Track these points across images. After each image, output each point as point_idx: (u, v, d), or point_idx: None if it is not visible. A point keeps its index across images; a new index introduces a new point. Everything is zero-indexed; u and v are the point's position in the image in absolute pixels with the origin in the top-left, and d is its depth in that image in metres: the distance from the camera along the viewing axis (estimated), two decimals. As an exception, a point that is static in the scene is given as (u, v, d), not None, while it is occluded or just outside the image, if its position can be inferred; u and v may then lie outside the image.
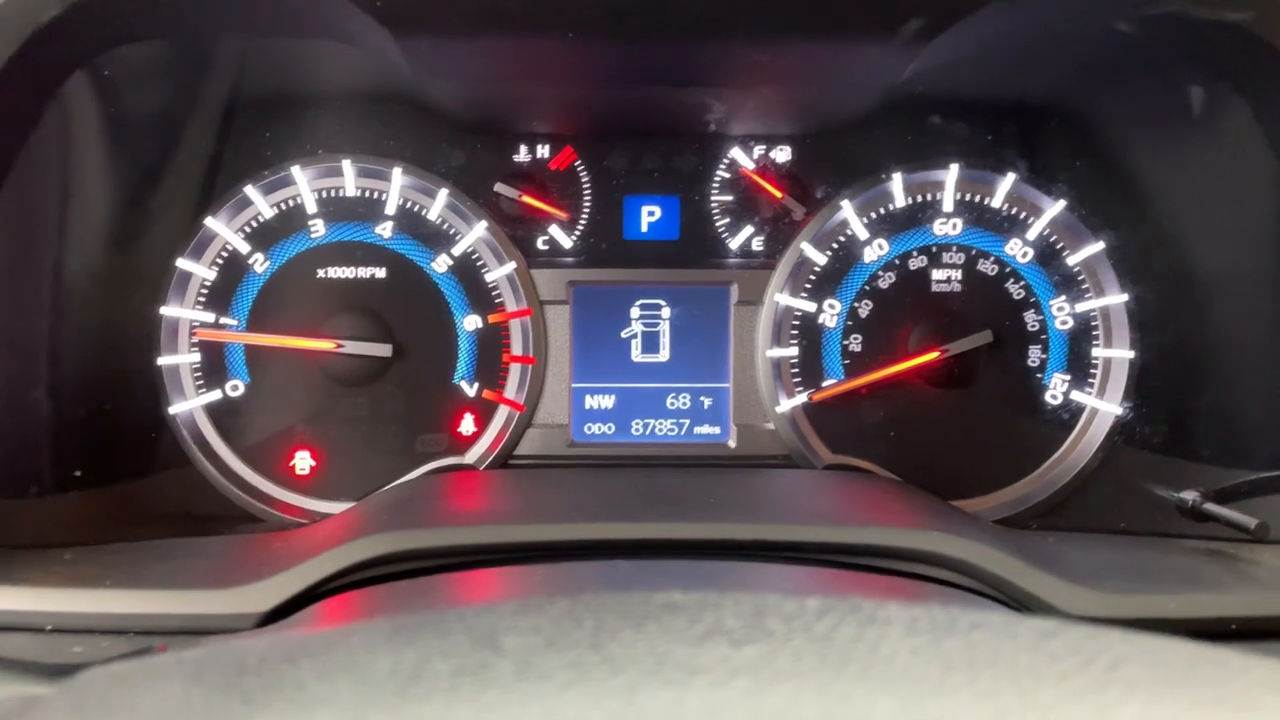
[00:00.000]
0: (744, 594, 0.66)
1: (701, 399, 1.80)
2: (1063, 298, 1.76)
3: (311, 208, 1.72)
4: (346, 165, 1.72)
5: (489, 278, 1.76)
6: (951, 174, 1.75)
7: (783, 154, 1.80)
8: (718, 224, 1.81)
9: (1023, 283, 1.77)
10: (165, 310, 1.69)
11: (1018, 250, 1.76)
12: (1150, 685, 0.59)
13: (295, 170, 1.71)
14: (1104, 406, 1.76)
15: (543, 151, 1.79)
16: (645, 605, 0.64)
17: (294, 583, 1.13)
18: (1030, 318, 1.77)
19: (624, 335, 1.80)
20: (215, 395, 1.71)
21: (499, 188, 1.75)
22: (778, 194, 1.77)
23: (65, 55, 1.28)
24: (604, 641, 0.59)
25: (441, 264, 1.75)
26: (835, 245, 1.78)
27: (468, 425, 1.76)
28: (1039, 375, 1.77)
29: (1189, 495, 1.41)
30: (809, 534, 1.21)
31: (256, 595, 1.12)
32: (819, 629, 0.61)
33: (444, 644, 0.58)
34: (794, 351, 1.77)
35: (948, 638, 0.61)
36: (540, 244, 1.79)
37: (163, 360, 1.69)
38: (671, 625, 0.61)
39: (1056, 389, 1.77)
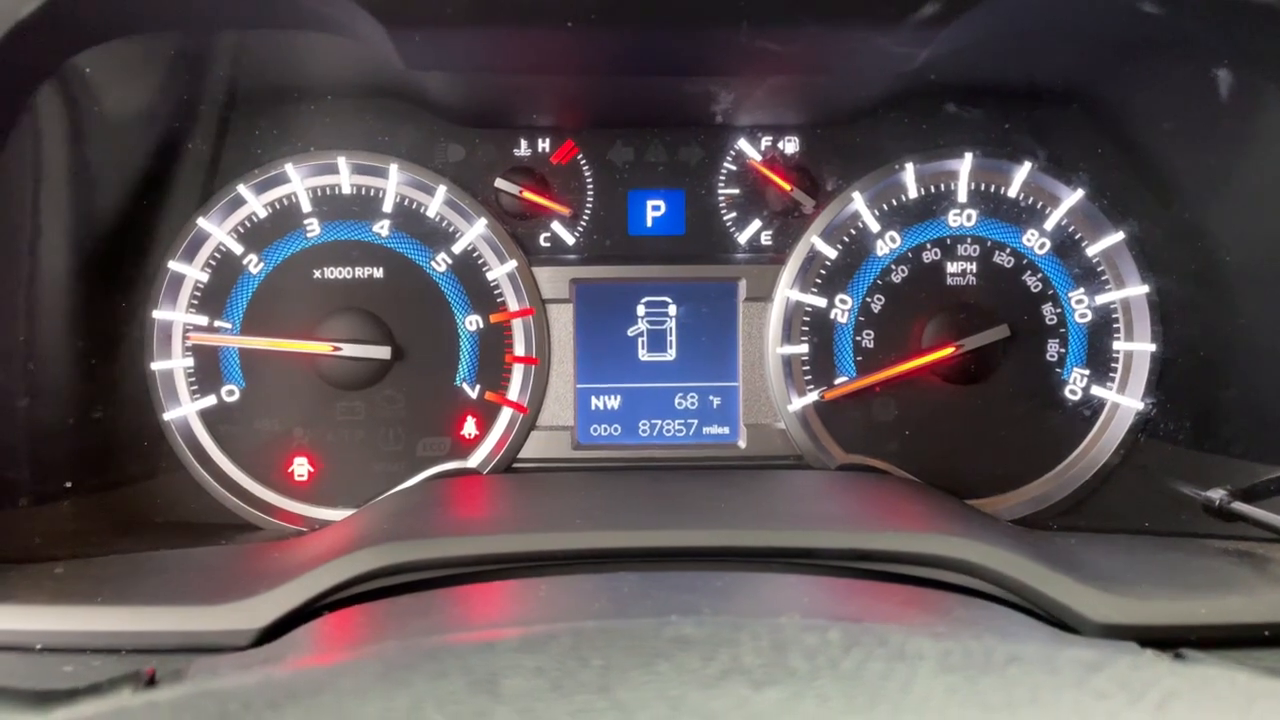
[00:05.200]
0: (762, 625, 0.61)
1: (710, 398, 1.75)
2: (1082, 290, 1.72)
3: (306, 206, 1.68)
4: (342, 162, 1.68)
5: (490, 276, 1.72)
6: (966, 163, 1.70)
7: (791, 145, 1.75)
8: (725, 218, 1.76)
9: (1040, 275, 1.72)
10: (157, 314, 1.65)
11: (1035, 241, 1.71)
12: (1205, 725, 0.54)
13: (289, 168, 1.67)
14: (1125, 402, 1.71)
15: (544, 145, 1.74)
16: (656, 640, 0.59)
17: (290, 598, 1.09)
18: (1048, 311, 1.72)
19: (629, 334, 1.75)
20: (210, 401, 1.67)
21: (499, 184, 1.71)
22: (786, 186, 1.72)
23: (45, 52, 1.23)
24: (612, 684, 0.54)
25: (441, 263, 1.70)
26: (846, 239, 1.73)
27: (470, 428, 1.72)
28: (1058, 370, 1.73)
29: (1215, 494, 1.37)
30: (822, 540, 1.17)
31: (252, 611, 1.08)
32: (845, 666, 0.57)
33: (438, 688, 0.54)
34: (805, 349, 1.73)
35: (984, 674, 0.57)
36: (542, 241, 1.75)
37: (155, 365, 1.66)
38: (685, 664, 0.56)
39: (1076, 384, 1.73)
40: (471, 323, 1.71)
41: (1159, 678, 0.59)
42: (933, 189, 1.72)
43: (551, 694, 0.53)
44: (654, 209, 1.76)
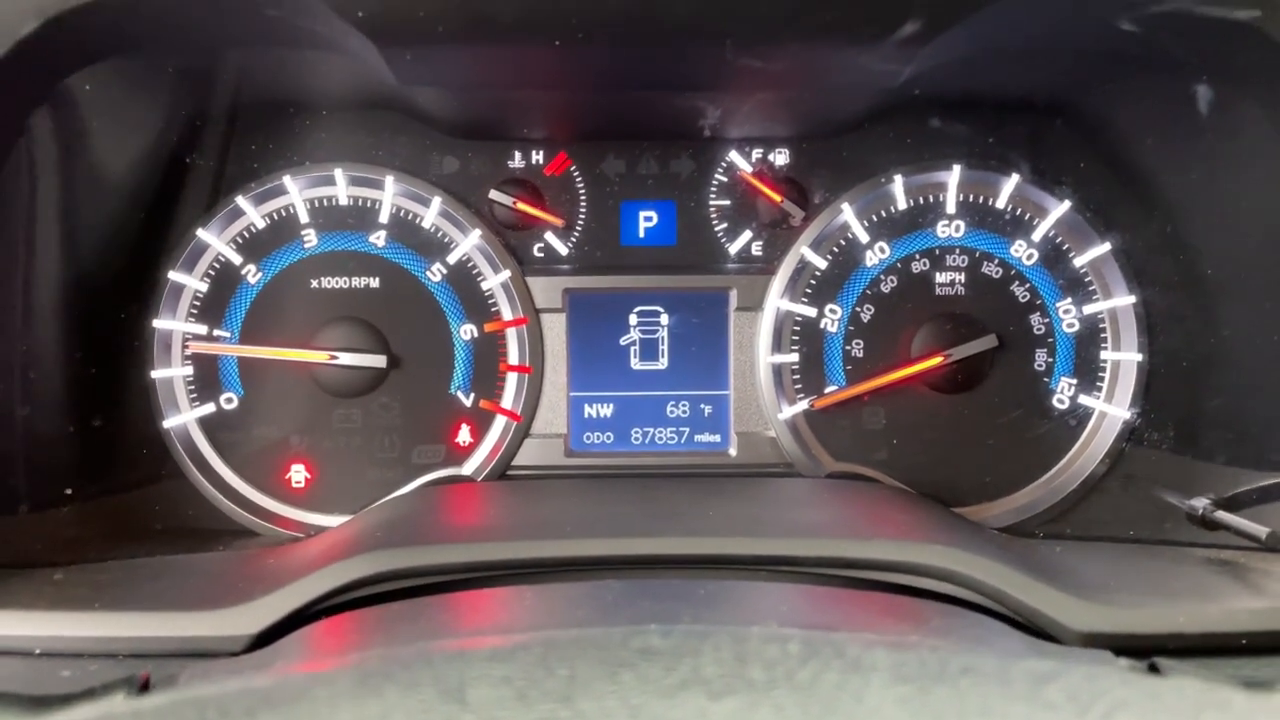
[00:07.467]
0: (726, 635, 0.63)
1: (702, 407, 1.77)
2: (1069, 300, 1.73)
3: (304, 217, 1.71)
4: (339, 174, 1.70)
5: (484, 286, 1.74)
6: (954, 175, 1.72)
7: (781, 157, 1.77)
8: (716, 229, 1.78)
9: (1028, 285, 1.73)
10: (157, 323, 1.68)
11: (1022, 252, 1.73)
12: (1149, 734, 0.56)
13: (287, 180, 1.69)
14: (1112, 411, 1.72)
15: (537, 157, 1.76)
16: (623, 650, 0.62)
17: (284, 604, 1.11)
18: (1036, 321, 1.73)
19: (622, 343, 1.77)
20: (209, 408, 1.70)
21: (493, 195, 1.73)
22: (776, 198, 1.74)
23: (44, 70, 1.26)
24: (575, 694, 0.56)
25: (436, 273, 1.73)
26: (836, 249, 1.74)
27: (465, 436, 1.74)
28: (1045, 379, 1.74)
29: (1199, 502, 1.38)
30: (807, 549, 1.19)
31: (246, 617, 1.10)
32: (801, 677, 0.59)
33: (409, 698, 0.56)
34: (795, 358, 1.74)
35: (937, 685, 0.59)
36: (536, 251, 1.77)
37: (155, 374, 1.68)
38: (647, 674, 0.59)
39: (1063, 393, 1.74)
40: (466, 332, 1.74)
41: (1109, 689, 0.60)
42: (921, 200, 1.74)
43: (516, 703, 0.55)
44: (646, 220, 1.78)
